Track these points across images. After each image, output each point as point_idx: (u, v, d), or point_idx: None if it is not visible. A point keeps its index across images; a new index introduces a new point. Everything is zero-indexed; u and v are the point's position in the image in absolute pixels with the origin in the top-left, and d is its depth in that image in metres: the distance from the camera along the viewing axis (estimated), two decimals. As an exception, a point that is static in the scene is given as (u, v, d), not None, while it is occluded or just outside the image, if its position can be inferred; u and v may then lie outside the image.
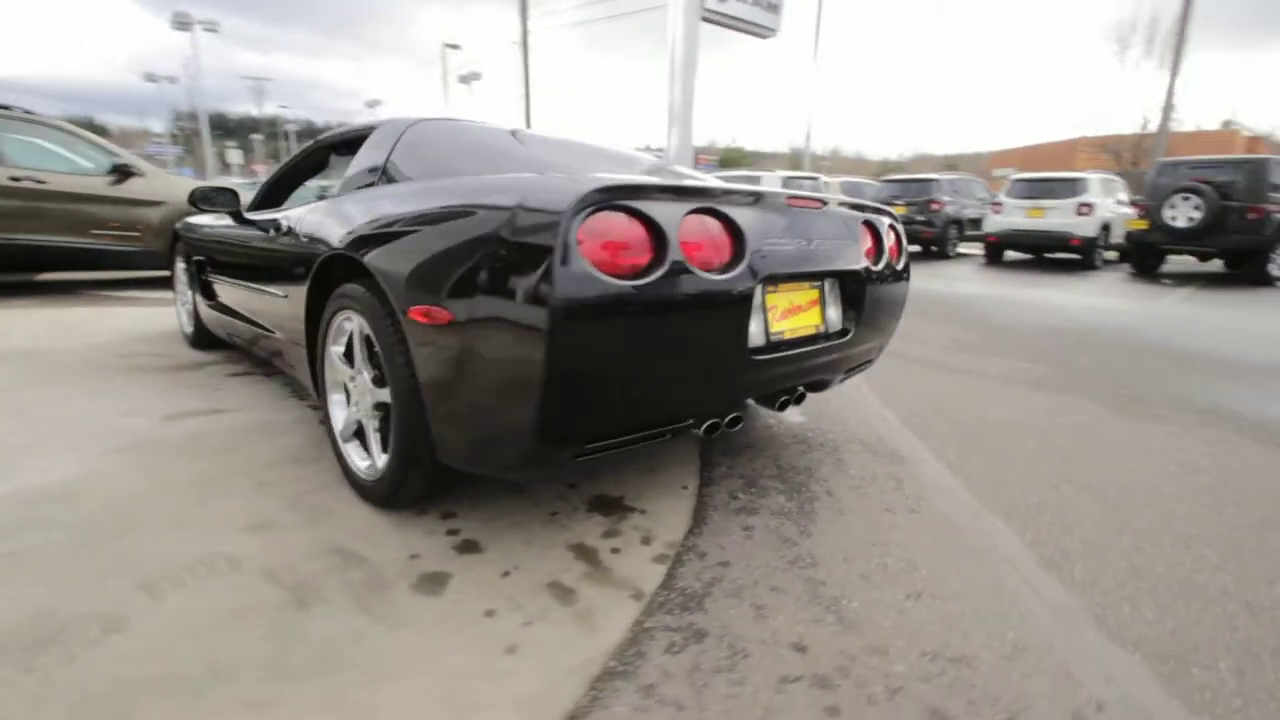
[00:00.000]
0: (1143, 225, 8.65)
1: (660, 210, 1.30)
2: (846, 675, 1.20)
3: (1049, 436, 2.53)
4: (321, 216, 1.86)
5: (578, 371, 1.23)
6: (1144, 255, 8.85)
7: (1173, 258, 9.20)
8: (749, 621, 1.35)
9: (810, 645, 1.28)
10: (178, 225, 3.30)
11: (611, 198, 1.23)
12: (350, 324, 1.73)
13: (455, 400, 1.38)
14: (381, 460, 1.67)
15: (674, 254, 1.30)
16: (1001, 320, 5.22)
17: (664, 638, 1.29)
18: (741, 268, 1.43)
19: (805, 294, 1.72)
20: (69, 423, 2.29)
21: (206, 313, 3.05)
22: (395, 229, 1.49)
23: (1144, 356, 4.02)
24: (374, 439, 1.70)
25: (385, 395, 1.61)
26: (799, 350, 1.67)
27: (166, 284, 5.56)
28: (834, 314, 1.84)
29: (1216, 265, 9.51)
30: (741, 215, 1.46)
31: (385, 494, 1.66)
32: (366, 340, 1.66)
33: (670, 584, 1.47)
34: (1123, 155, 23.77)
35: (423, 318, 1.37)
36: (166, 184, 5.33)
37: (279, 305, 2.13)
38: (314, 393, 2.07)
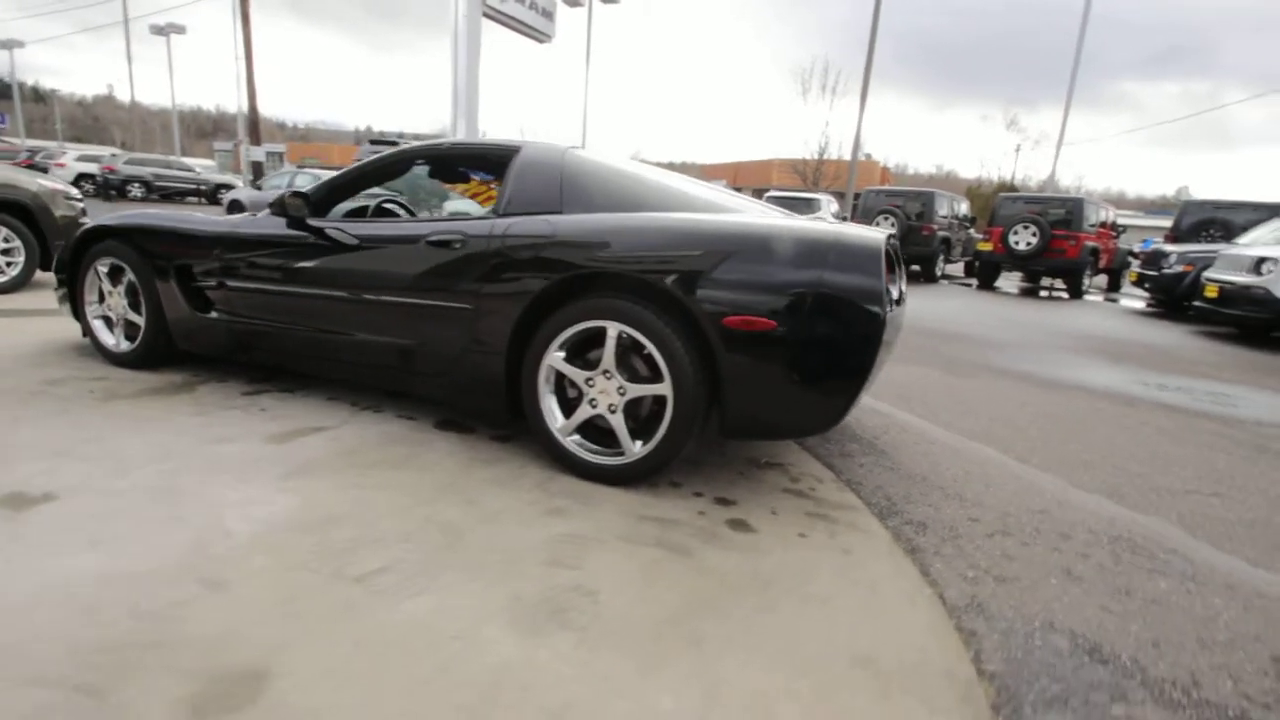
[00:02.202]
0: (858, 236, 11.49)
1: (889, 247, 1.97)
2: (1009, 527, 2.03)
3: (937, 391, 3.76)
4: (545, 232, 2.06)
5: (878, 359, 1.83)
6: (859, 259, 11.75)
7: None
8: (933, 513, 2.10)
9: (978, 517, 2.08)
10: (112, 223, 2.71)
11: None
12: (589, 334, 2.01)
13: (773, 386, 1.85)
14: (636, 446, 2.00)
15: (889, 273, 1.99)
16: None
17: (906, 530, 1.97)
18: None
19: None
20: (170, 457, 2.00)
21: (192, 324, 2.68)
22: (696, 253, 1.88)
23: (927, 336, 5.74)
24: (622, 429, 2.02)
25: (645, 390, 1.97)
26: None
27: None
28: None
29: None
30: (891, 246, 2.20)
31: (646, 471, 2.01)
32: (623, 344, 1.98)
33: (868, 500, 2.15)
34: (807, 176, 29.80)
35: (744, 325, 1.81)
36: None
37: (445, 318, 2.19)
38: (490, 403, 2.21)
